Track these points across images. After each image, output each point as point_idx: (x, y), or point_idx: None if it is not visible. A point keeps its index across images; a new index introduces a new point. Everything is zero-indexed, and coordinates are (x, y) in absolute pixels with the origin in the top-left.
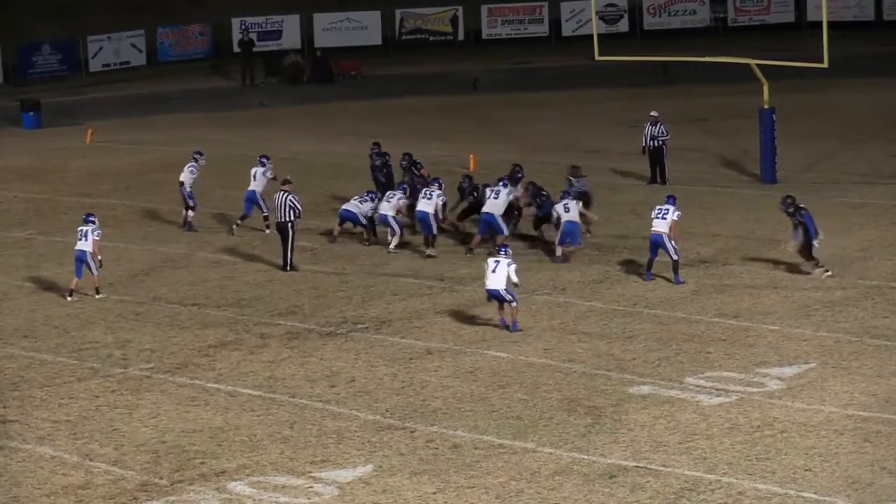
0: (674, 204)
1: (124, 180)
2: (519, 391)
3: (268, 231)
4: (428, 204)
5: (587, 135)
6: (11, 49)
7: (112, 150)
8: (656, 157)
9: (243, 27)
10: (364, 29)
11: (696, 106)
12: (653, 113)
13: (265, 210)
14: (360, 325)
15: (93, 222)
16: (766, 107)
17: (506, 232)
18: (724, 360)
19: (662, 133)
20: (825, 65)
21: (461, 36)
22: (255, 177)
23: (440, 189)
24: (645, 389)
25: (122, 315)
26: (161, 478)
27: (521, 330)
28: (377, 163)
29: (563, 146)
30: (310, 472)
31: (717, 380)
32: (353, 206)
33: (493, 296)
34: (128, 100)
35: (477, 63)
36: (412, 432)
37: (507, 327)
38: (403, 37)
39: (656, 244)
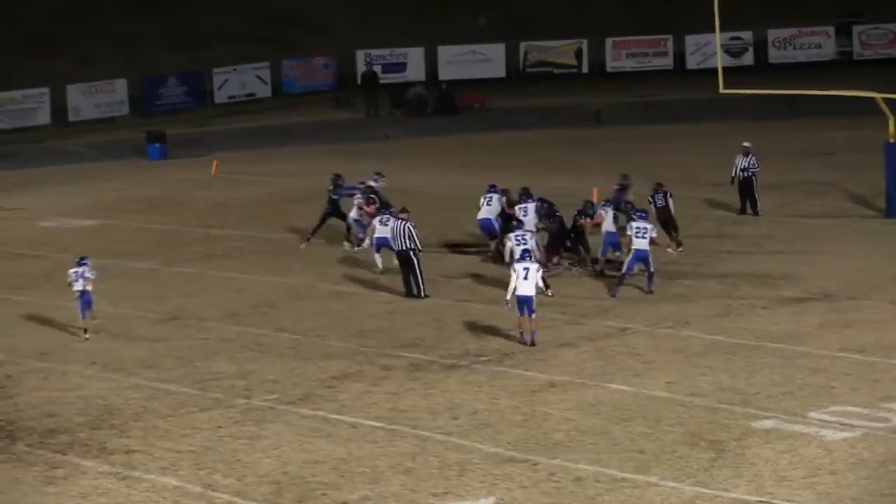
0: (648, 220)
1: (249, 212)
2: (641, 425)
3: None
4: (489, 211)
5: (711, 168)
6: (138, 81)
7: (237, 181)
8: (746, 188)
9: (368, 59)
10: (488, 61)
11: (821, 140)
12: (745, 144)
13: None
14: (482, 357)
15: (85, 264)
16: (891, 140)
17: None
18: (848, 395)
19: (753, 165)
20: None
21: (585, 69)
22: (487, 202)
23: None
24: (768, 424)
25: (246, 346)
26: None
27: (535, 344)
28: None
29: (687, 179)
30: (431, 503)
31: (841, 414)
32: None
33: (525, 301)
34: (253, 132)
35: (601, 96)
36: (534, 465)
37: (528, 343)
38: (528, 69)
39: (640, 259)
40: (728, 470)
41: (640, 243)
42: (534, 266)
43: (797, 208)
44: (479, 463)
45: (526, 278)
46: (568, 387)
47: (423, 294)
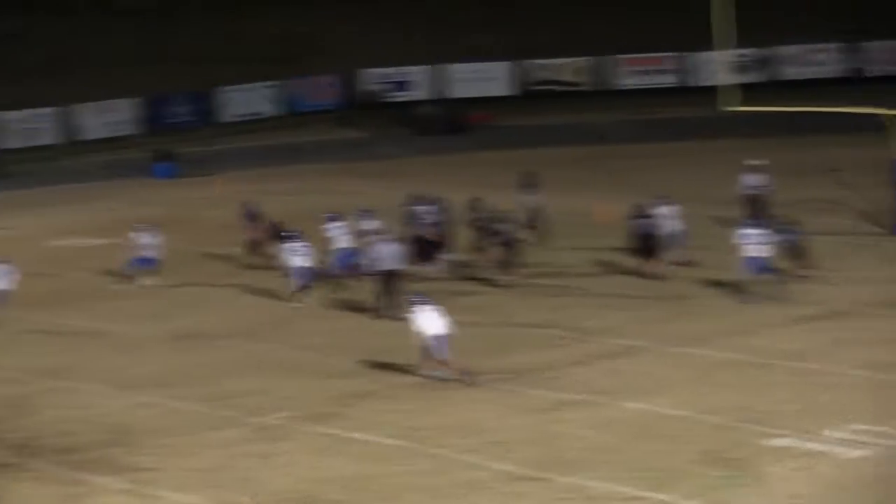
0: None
1: None
2: (655, 443)
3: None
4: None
5: (715, 185)
6: (145, 100)
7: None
8: (757, 206)
9: (374, 78)
10: (495, 80)
11: (827, 157)
12: (753, 162)
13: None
14: (494, 376)
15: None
16: None
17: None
18: (862, 413)
19: (764, 183)
20: None
21: (590, 86)
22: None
23: None
24: (783, 442)
25: (257, 364)
26: None
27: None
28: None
29: (691, 196)
30: None
31: (855, 432)
32: None
33: (446, 340)
34: (259, 150)
35: (606, 113)
36: (547, 483)
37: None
38: (533, 87)
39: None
40: (742, 488)
41: (758, 250)
42: (440, 309)
43: (805, 226)
44: (490, 481)
45: (437, 319)
46: (580, 405)
47: (395, 315)
